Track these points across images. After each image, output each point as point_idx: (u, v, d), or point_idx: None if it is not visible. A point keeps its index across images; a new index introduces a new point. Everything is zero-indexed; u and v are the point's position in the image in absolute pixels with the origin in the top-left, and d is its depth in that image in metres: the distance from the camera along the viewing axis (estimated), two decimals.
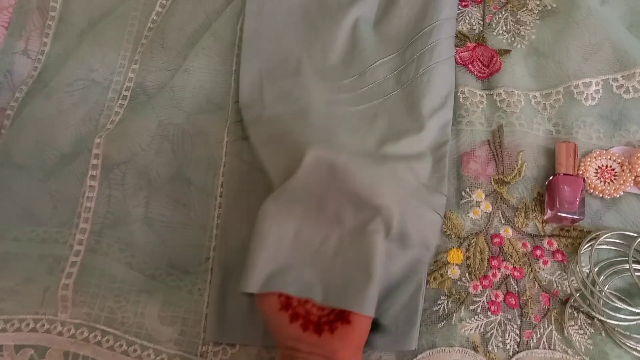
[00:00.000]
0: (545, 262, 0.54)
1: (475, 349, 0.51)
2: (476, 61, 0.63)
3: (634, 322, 0.50)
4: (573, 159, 0.55)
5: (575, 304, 0.52)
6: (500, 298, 0.53)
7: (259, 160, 0.56)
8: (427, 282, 0.53)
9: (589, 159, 0.57)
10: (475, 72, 0.63)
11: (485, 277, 0.54)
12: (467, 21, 0.66)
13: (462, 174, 0.58)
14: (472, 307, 0.52)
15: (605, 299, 0.51)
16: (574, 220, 0.54)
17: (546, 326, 0.52)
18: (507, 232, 0.55)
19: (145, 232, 0.57)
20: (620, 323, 0.50)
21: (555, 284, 0.53)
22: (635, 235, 0.53)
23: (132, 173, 0.59)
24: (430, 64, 0.60)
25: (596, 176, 0.56)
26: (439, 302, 0.53)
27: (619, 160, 0.56)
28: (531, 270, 0.54)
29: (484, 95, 0.61)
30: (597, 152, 0.57)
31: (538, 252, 0.54)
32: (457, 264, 0.54)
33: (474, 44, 0.64)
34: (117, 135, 0.60)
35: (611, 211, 0.56)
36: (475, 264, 0.54)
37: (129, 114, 0.63)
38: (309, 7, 0.66)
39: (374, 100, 0.60)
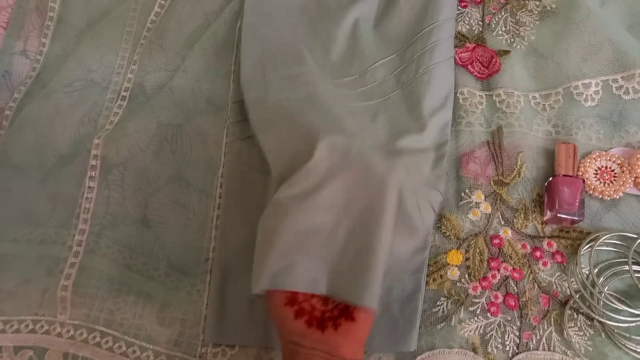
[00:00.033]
0: (544, 264, 0.54)
1: (474, 350, 0.51)
2: (476, 62, 0.63)
3: (633, 324, 0.50)
4: (572, 160, 0.55)
5: (575, 306, 0.52)
6: (500, 299, 0.53)
7: (256, 142, 0.55)
8: (427, 283, 0.53)
9: (589, 160, 0.57)
10: (475, 73, 0.63)
11: (484, 278, 0.54)
12: (466, 22, 0.66)
13: (461, 175, 0.58)
14: (471, 309, 0.52)
15: (604, 300, 0.51)
16: (573, 222, 0.54)
17: (546, 327, 0.52)
18: (506, 233, 0.55)
19: (144, 233, 0.57)
20: (620, 324, 0.50)
21: (554, 285, 0.53)
22: (635, 236, 0.53)
23: (131, 174, 0.59)
24: (430, 65, 0.60)
25: (596, 177, 0.56)
26: (438, 303, 0.53)
27: (618, 162, 0.56)
28: (531, 272, 0.54)
29: (484, 96, 0.61)
30: (597, 153, 0.57)
31: (537, 254, 0.54)
32: (456, 265, 0.54)
33: (474, 45, 0.64)
34: (116, 136, 0.60)
35: (611, 212, 0.56)
36: (475, 265, 0.54)
37: (127, 115, 0.62)
38: (308, 7, 0.66)
39: (374, 100, 0.60)
